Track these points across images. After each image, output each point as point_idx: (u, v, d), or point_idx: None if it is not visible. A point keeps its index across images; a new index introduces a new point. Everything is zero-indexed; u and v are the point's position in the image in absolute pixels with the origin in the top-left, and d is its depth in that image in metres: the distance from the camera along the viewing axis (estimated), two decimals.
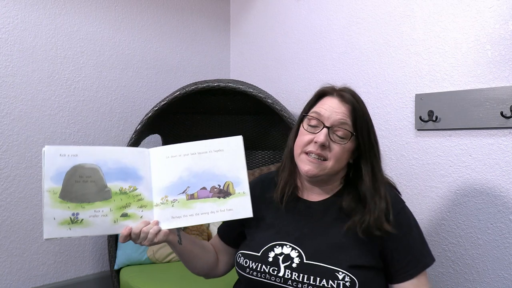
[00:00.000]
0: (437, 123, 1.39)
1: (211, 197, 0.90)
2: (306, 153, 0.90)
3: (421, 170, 1.45)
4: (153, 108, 1.65)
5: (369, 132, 0.91)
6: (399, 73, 1.52)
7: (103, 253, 1.83)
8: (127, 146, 1.66)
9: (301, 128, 0.94)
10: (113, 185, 0.86)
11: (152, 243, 0.87)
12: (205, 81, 1.69)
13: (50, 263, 1.68)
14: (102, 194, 0.85)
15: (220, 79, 1.92)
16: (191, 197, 0.90)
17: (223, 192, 0.90)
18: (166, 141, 1.98)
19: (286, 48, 1.99)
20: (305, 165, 0.90)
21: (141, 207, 0.88)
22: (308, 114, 0.93)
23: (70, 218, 0.82)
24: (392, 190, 0.95)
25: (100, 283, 1.80)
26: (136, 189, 0.88)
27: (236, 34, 2.29)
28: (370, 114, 0.96)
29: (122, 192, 0.87)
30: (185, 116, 1.96)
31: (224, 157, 0.91)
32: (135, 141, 1.67)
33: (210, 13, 2.23)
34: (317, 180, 0.93)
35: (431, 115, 1.40)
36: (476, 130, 1.31)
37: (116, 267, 1.64)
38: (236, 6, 2.28)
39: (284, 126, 1.92)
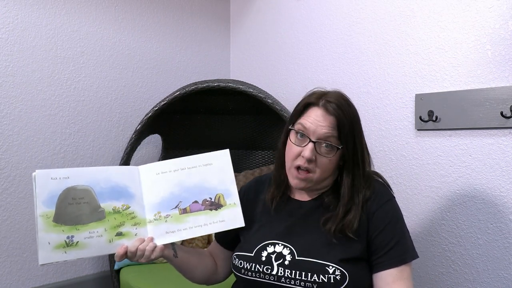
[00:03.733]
0: (437, 123, 1.39)
1: (204, 210, 0.92)
2: (296, 168, 0.91)
3: (421, 170, 1.45)
4: (153, 108, 1.65)
5: (354, 142, 0.91)
6: (399, 73, 1.52)
7: None
8: (128, 145, 1.66)
9: (288, 140, 0.95)
10: (106, 205, 0.87)
11: (149, 260, 0.88)
12: (205, 81, 1.69)
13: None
14: (96, 214, 0.85)
15: (220, 79, 1.92)
16: (184, 211, 0.92)
17: (215, 204, 0.93)
18: (166, 141, 1.98)
19: (286, 48, 1.99)
20: (293, 179, 0.93)
21: (135, 224, 0.89)
22: (294, 127, 0.93)
23: (65, 242, 0.82)
24: (383, 185, 0.96)
25: (100, 283, 1.80)
26: (129, 207, 0.89)
27: (236, 34, 2.29)
28: (362, 116, 0.96)
29: (116, 211, 0.87)
30: (185, 116, 1.96)
31: (213, 170, 0.94)
32: (135, 141, 1.67)
33: (210, 13, 2.23)
34: (308, 190, 0.97)
35: (431, 115, 1.40)
36: (476, 130, 1.32)
37: (116, 267, 1.64)
38: (236, 6, 2.28)
39: (284, 126, 1.92)
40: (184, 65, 2.12)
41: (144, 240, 0.88)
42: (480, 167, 1.31)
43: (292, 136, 0.93)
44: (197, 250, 1.08)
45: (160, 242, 0.89)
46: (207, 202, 0.93)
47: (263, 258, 0.91)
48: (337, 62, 1.74)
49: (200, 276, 1.04)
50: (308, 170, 0.90)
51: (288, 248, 0.90)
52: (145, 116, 1.65)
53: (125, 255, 0.87)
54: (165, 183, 0.92)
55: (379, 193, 0.93)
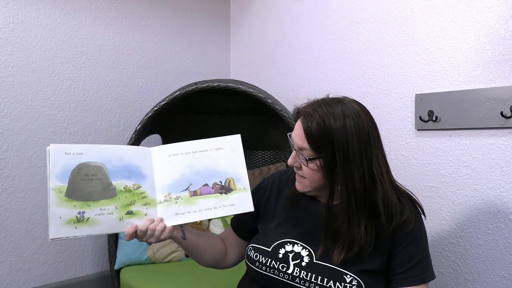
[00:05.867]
0: (437, 123, 1.39)
1: (214, 193, 0.92)
2: None
3: (421, 170, 1.45)
4: (153, 108, 1.65)
5: (333, 153, 0.84)
6: (399, 73, 1.52)
7: (103, 253, 1.83)
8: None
9: None
10: (118, 183, 0.87)
11: (159, 240, 0.88)
12: (205, 81, 1.69)
13: (50, 263, 1.68)
14: (108, 192, 0.85)
15: (220, 79, 1.92)
16: (194, 193, 0.91)
17: (225, 188, 0.93)
18: (166, 141, 1.98)
19: (286, 48, 1.99)
20: (295, 181, 0.95)
21: (145, 204, 0.89)
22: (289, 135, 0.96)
23: (76, 217, 0.82)
24: (410, 200, 0.92)
25: (100, 283, 1.80)
26: (140, 187, 0.89)
27: (236, 34, 2.29)
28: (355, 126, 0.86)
29: (127, 190, 0.87)
30: (185, 116, 1.96)
31: (224, 154, 0.94)
32: (135, 141, 1.67)
33: (210, 13, 2.23)
34: (315, 194, 0.95)
35: (431, 115, 1.40)
36: (476, 130, 1.32)
37: (116, 267, 1.64)
38: (236, 6, 2.28)
39: (284, 126, 1.92)
40: (184, 65, 2.12)
41: (154, 220, 0.88)
42: (480, 167, 1.31)
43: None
44: (206, 234, 1.08)
45: (169, 223, 0.89)
46: (217, 186, 0.93)
47: (280, 255, 0.91)
48: (337, 62, 1.74)
49: (208, 259, 1.04)
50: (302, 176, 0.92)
51: (307, 250, 0.90)
52: (145, 116, 1.65)
53: (135, 234, 0.86)
54: (176, 165, 0.92)
55: (406, 209, 0.89)
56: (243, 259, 1.09)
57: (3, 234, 1.55)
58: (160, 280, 1.48)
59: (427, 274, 0.87)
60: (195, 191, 0.92)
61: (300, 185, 0.93)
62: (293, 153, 0.91)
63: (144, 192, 0.89)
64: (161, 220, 0.89)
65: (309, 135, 0.85)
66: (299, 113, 0.91)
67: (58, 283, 1.69)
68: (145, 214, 0.88)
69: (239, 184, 0.93)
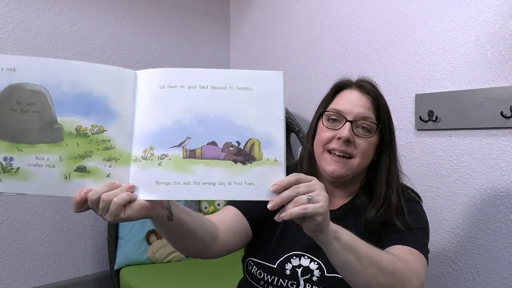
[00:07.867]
0: (437, 123, 1.39)
1: (223, 159, 0.59)
2: (329, 152, 0.82)
3: (421, 170, 1.45)
4: None
5: (390, 124, 0.88)
6: (399, 73, 1.52)
7: (103, 253, 1.83)
8: None
9: (319, 125, 0.86)
10: (67, 121, 0.57)
11: (118, 219, 0.55)
12: None
13: (50, 263, 1.68)
14: (49, 133, 0.57)
15: None
16: (192, 154, 0.58)
17: (244, 155, 0.59)
18: None
19: (286, 48, 1.99)
20: (330, 165, 0.82)
21: (109, 159, 0.58)
22: (327, 110, 0.85)
23: (1, 164, 0.55)
24: (412, 192, 0.92)
25: (100, 283, 1.80)
26: (103, 131, 0.58)
27: (236, 34, 2.29)
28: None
29: (81, 134, 0.58)
30: None
31: (252, 99, 0.60)
32: None
33: (210, 13, 2.23)
34: (342, 181, 0.86)
35: (431, 115, 1.40)
36: (476, 130, 1.31)
37: (116, 267, 1.65)
38: (236, 6, 2.28)
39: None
40: (184, 65, 2.12)
41: (116, 186, 0.56)
42: (480, 167, 1.31)
43: (324, 120, 0.85)
44: (196, 213, 0.74)
45: (144, 196, 0.57)
46: (231, 148, 0.59)
47: (288, 272, 0.82)
48: (337, 62, 1.74)
49: (196, 244, 0.72)
50: (346, 156, 0.82)
51: (316, 263, 0.81)
52: None
53: (86, 203, 0.56)
54: (171, 104, 0.59)
55: (409, 199, 0.88)
56: (234, 251, 0.85)
57: (3, 234, 1.55)
58: (160, 280, 1.48)
59: (421, 245, 0.79)
60: (194, 150, 0.58)
61: (343, 168, 0.81)
62: (348, 124, 0.81)
63: (109, 140, 0.58)
64: (131, 188, 0.57)
65: (378, 101, 0.86)
66: (355, 83, 0.88)
67: (58, 283, 1.69)
68: (108, 175, 0.57)
69: (267, 153, 0.59)
